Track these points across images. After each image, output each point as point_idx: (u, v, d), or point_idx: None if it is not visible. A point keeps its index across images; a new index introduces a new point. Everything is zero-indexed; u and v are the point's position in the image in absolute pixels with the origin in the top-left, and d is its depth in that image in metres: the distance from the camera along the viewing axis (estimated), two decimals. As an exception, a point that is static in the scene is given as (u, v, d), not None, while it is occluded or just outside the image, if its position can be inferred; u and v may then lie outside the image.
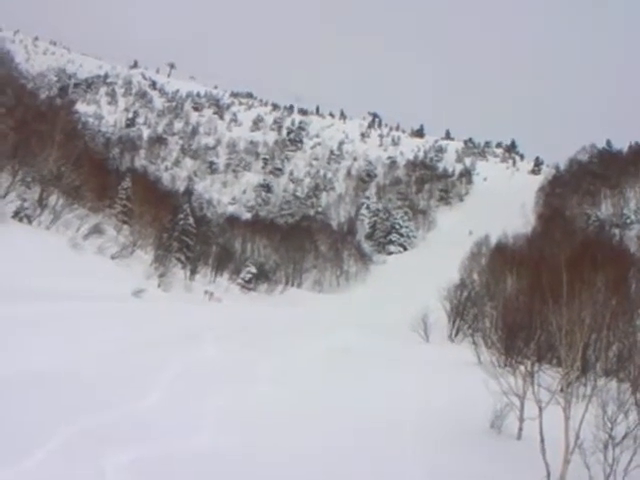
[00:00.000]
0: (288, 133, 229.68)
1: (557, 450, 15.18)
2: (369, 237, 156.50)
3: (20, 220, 52.98)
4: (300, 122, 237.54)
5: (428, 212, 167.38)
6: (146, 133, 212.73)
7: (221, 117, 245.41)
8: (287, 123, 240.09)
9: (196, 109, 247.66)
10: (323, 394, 22.11)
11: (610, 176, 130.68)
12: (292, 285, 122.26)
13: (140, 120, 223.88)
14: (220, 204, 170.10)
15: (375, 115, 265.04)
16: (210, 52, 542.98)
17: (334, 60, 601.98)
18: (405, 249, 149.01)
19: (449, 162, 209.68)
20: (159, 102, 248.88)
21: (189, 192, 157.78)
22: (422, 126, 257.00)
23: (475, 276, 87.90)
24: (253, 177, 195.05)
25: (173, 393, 18.13)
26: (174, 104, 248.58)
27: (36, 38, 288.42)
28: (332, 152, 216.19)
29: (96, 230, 60.74)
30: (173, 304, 51.55)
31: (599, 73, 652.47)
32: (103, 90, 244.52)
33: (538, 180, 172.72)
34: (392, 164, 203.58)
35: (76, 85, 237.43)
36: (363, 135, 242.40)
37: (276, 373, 24.55)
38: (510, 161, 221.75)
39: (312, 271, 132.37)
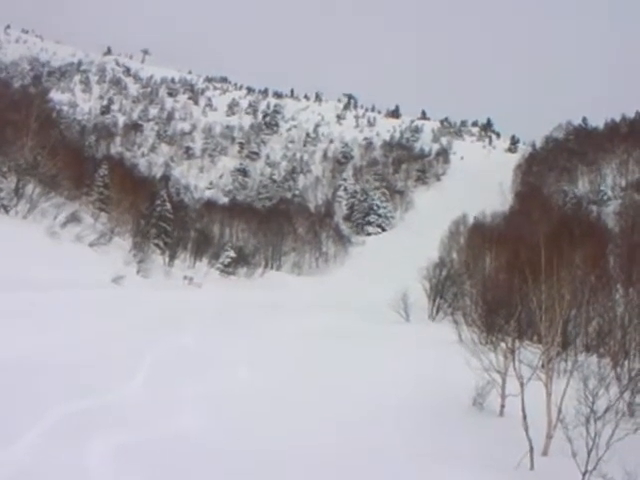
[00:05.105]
0: (263, 117, 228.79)
1: (539, 425, 15.33)
2: (347, 219, 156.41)
3: (-4, 210, 52.67)
4: (275, 105, 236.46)
5: (406, 192, 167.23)
6: (121, 120, 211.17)
7: (196, 102, 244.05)
8: (262, 107, 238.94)
9: (171, 95, 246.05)
10: (303, 376, 22.19)
11: (586, 153, 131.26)
12: (271, 268, 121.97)
13: (115, 107, 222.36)
14: (197, 189, 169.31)
15: (350, 96, 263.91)
16: (183, 37, 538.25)
17: (308, 41, 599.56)
18: (383, 230, 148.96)
19: (425, 142, 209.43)
20: (134, 88, 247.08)
21: (166, 178, 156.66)
22: (397, 106, 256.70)
23: (454, 255, 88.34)
24: (230, 162, 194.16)
25: (155, 378, 18.21)
26: (149, 90, 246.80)
27: (8, 26, 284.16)
28: (308, 135, 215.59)
29: (73, 218, 60.29)
30: (153, 290, 51.50)
31: (574, 51, 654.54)
32: (77, 78, 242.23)
33: (515, 158, 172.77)
34: (368, 145, 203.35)
35: (50, 73, 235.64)
36: (339, 117, 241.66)
37: (256, 357, 24.64)
38: (486, 140, 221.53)
39: (291, 254, 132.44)
